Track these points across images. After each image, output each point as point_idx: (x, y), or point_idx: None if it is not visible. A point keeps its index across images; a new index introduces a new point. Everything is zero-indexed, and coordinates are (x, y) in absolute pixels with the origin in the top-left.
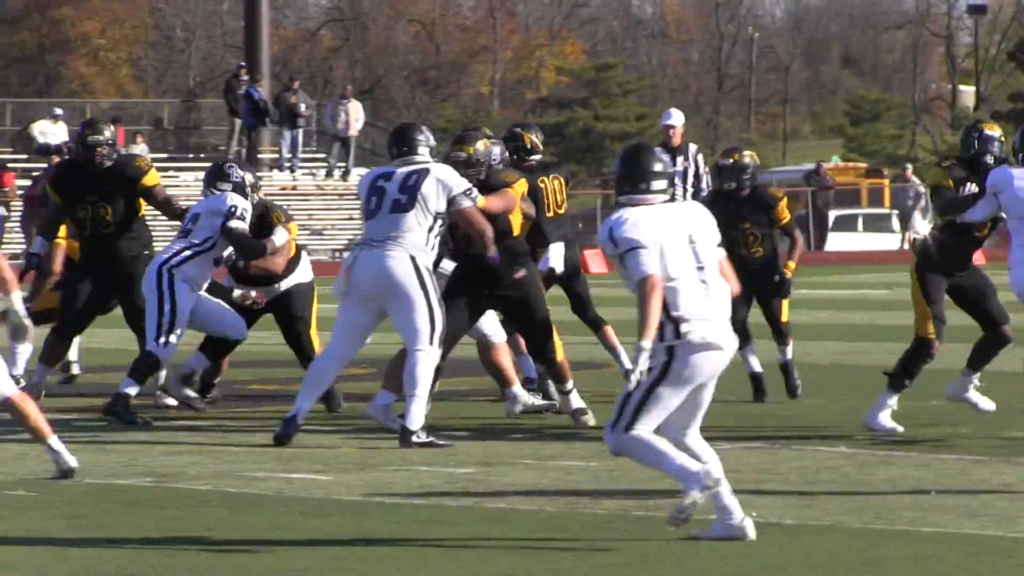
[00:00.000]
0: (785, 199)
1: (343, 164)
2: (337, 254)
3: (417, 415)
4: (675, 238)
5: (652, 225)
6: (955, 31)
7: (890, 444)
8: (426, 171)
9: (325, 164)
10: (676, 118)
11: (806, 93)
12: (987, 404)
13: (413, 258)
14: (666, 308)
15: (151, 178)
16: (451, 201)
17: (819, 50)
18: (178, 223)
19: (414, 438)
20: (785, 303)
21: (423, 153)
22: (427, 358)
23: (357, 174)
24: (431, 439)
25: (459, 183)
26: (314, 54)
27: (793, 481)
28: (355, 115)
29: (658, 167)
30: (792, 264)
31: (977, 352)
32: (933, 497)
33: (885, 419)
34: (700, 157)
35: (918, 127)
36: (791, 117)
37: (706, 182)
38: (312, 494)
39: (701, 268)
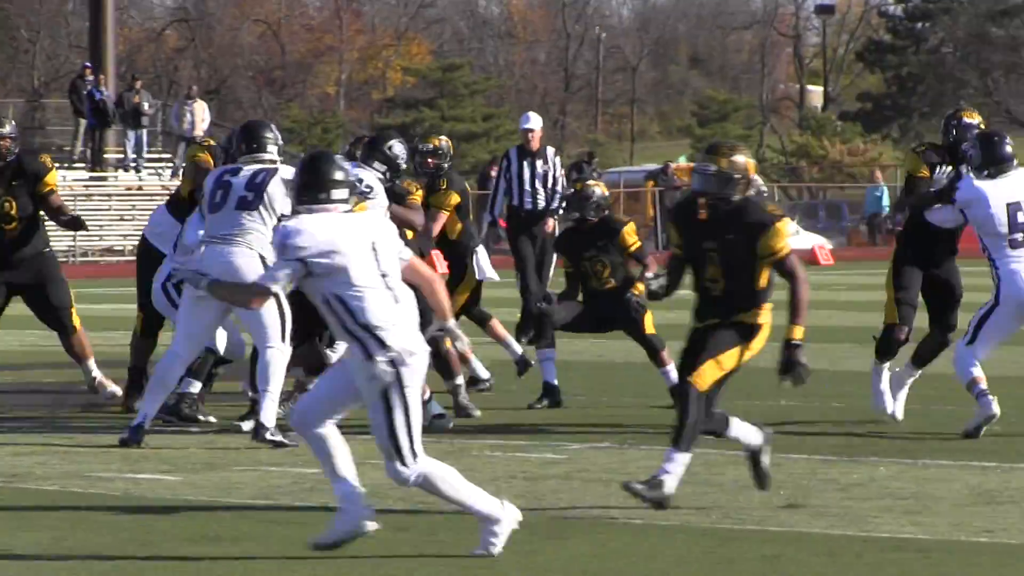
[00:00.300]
0: (631, 224)
1: None
2: None
3: (270, 412)
4: (357, 246)
5: (329, 234)
6: (803, 31)
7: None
8: (274, 170)
9: (171, 164)
10: (534, 121)
11: (653, 93)
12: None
13: (261, 257)
14: (354, 317)
15: (52, 177)
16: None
17: (666, 50)
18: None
19: (267, 435)
20: (649, 317)
21: (271, 151)
22: (279, 356)
23: None
24: (282, 439)
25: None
26: (159, 54)
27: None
28: (200, 115)
29: (338, 175)
30: (640, 287)
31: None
32: (782, 497)
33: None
34: (558, 160)
35: (766, 127)
36: (638, 118)
37: (562, 185)
38: (159, 495)
39: (386, 276)
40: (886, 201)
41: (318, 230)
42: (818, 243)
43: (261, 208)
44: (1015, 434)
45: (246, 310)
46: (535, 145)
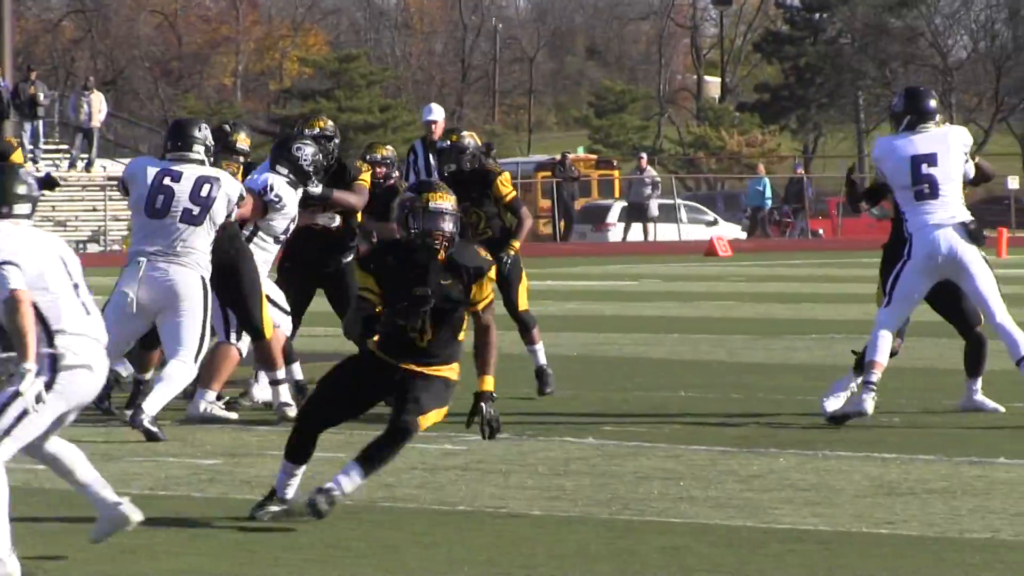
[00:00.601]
0: (506, 174)
1: (86, 155)
2: (81, 246)
3: (157, 403)
4: (47, 257)
5: (24, 242)
6: (700, 22)
7: (639, 435)
8: (218, 183)
9: (68, 155)
10: (436, 112)
11: (551, 84)
12: (994, 405)
13: (202, 278)
14: (44, 323)
15: None
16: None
17: (563, 41)
18: None
19: (145, 420)
20: (523, 292)
21: (198, 151)
22: (185, 371)
23: (101, 165)
24: (156, 430)
25: (237, 191)
26: (56, 45)
27: (542, 472)
28: (97, 106)
29: (21, 190)
30: (516, 244)
31: (968, 358)
32: (682, 488)
33: (841, 403)
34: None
35: (663, 118)
36: (536, 108)
37: (428, 168)
38: (59, 486)
39: (77, 287)
40: (768, 194)
41: (13, 236)
42: (716, 235)
43: (206, 224)
44: (915, 426)
45: (171, 325)
46: (438, 135)
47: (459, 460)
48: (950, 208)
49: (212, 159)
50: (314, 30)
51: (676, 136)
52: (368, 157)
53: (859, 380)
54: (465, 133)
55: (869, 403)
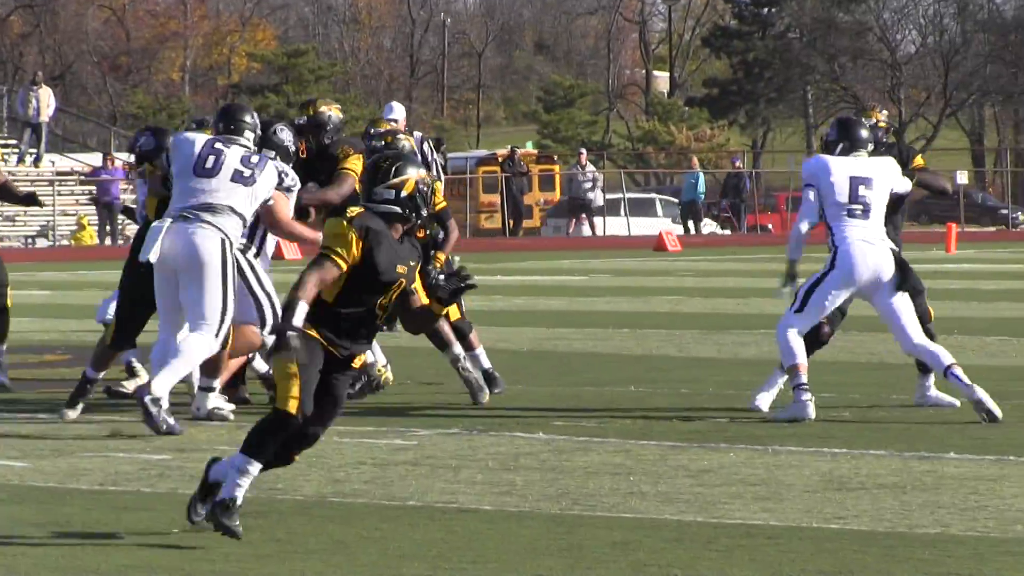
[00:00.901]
0: (437, 184)
1: (34, 150)
2: (30, 241)
3: (168, 380)
4: None
5: None
6: (648, 17)
7: (589, 430)
8: (267, 157)
9: (16, 150)
10: (398, 111)
11: (499, 79)
12: (950, 400)
13: (223, 243)
14: None
15: None
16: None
17: (512, 36)
18: None
19: (147, 398)
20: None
21: (248, 139)
22: (204, 344)
23: (49, 160)
24: (158, 415)
25: (284, 173)
26: (3, 40)
27: (491, 467)
28: (46, 101)
29: None
30: (441, 256)
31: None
32: (632, 483)
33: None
34: (426, 144)
35: (612, 113)
36: (484, 103)
37: (437, 169)
38: (8, 480)
39: None
40: (702, 188)
41: None
42: (664, 229)
43: (252, 189)
44: (865, 421)
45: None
46: None
47: (409, 455)
48: (879, 231)
49: (284, 160)
50: (262, 25)
51: (625, 131)
52: (372, 131)
53: (786, 379)
54: (400, 136)
55: (810, 407)
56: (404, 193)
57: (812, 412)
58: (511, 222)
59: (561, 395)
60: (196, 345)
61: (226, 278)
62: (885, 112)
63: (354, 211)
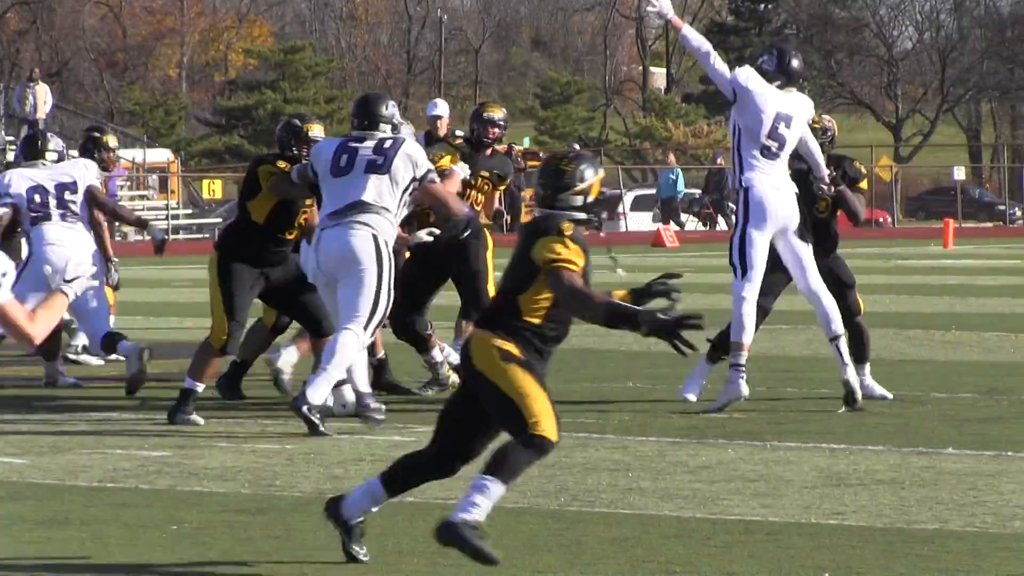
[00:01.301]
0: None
1: None
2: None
3: (324, 384)
4: None
5: None
6: (645, 13)
7: (587, 426)
8: (399, 141)
9: (14, 147)
10: (442, 108)
11: (496, 75)
12: (882, 391)
13: (376, 239)
14: None
15: None
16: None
17: (508, 32)
18: None
19: (304, 408)
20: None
21: (384, 131)
22: (354, 340)
23: None
24: (318, 422)
25: (419, 154)
26: (1, 37)
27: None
28: (43, 98)
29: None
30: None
31: (851, 346)
32: (631, 479)
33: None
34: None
35: (609, 109)
36: (481, 100)
37: None
38: (8, 478)
39: None
40: (681, 186)
41: None
42: (663, 225)
43: (390, 175)
44: (863, 417)
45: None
46: (443, 131)
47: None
48: (785, 173)
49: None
50: (259, 21)
51: (622, 127)
52: (485, 116)
53: (711, 367)
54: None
55: (743, 385)
56: (591, 198)
57: (746, 389)
58: (508, 218)
59: (559, 391)
60: (344, 344)
61: (381, 275)
62: (829, 119)
63: (568, 227)
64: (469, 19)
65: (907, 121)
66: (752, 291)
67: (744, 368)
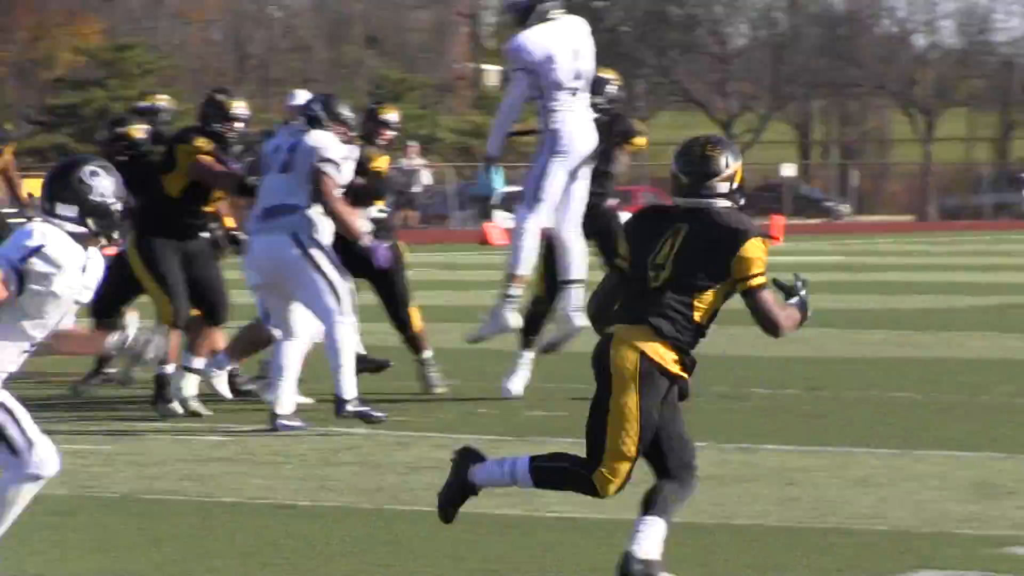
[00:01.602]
0: None
1: None
2: None
3: (349, 379)
4: None
5: None
6: (480, 11)
7: (408, 426)
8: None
9: None
10: (301, 99)
11: (328, 73)
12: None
13: (294, 238)
14: None
15: None
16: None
17: (341, 30)
18: None
19: (348, 407)
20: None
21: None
22: (344, 328)
23: None
24: (367, 409)
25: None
26: None
27: (312, 462)
28: None
29: None
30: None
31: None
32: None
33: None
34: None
35: (441, 107)
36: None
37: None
38: None
39: None
40: (498, 184)
41: None
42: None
43: (293, 173)
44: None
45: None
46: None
47: (227, 451)
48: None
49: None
50: (90, 18)
51: (454, 125)
52: (380, 118)
53: (528, 355)
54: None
55: (511, 315)
56: (735, 184)
57: (512, 321)
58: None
59: (381, 389)
60: (342, 339)
61: (317, 266)
62: (613, 74)
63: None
64: (302, 17)
65: (738, 119)
66: (541, 219)
67: (516, 301)
